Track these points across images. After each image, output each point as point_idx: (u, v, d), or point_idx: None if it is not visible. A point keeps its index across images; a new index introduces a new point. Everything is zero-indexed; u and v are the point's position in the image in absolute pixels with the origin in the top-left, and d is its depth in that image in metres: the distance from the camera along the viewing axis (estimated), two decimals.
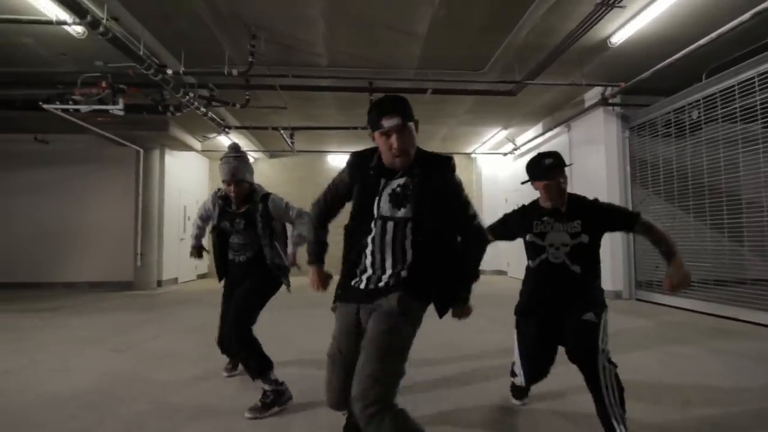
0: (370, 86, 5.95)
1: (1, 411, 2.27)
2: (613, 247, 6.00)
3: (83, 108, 5.49)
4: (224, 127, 7.32)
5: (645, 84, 5.48)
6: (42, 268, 8.25)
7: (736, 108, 4.51)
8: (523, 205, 2.20)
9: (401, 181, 1.57)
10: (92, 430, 2.02)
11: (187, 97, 5.61)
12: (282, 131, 7.90)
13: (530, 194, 2.09)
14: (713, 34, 4.20)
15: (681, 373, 2.78)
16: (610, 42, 4.93)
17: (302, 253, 2.62)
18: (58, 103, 5.60)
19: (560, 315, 1.93)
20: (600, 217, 1.97)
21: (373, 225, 1.56)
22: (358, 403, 1.30)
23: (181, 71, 5.04)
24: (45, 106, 5.57)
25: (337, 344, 1.59)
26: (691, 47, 4.48)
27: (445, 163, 1.62)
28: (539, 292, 2.05)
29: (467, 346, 3.50)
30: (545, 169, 1.98)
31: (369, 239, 1.56)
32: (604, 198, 6.63)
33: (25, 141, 8.16)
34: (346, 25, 4.62)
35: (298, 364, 3.09)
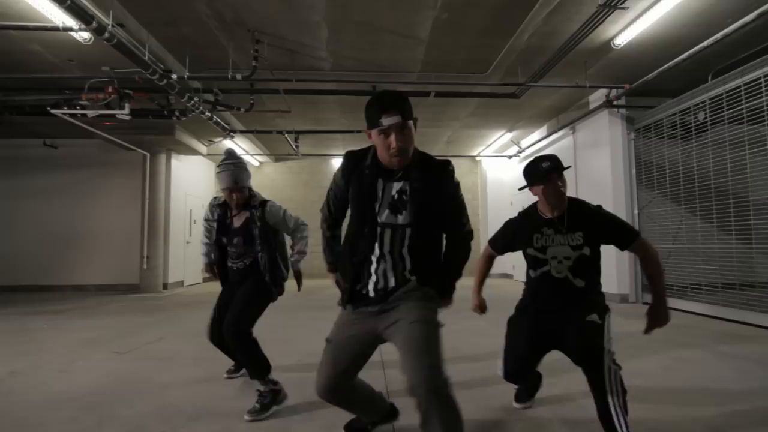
0: (373, 90, 5.96)
1: (5, 411, 2.29)
2: (618, 250, 5.92)
3: (90, 113, 5.57)
4: (229, 131, 7.38)
5: (650, 86, 5.44)
6: (51, 271, 8.35)
7: (742, 109, 4.45)
8: (521, 213, 2.15)
9: (400, 186, 1.55)
10: (92, 431, 2.03)
11: (192, 101, 5.67)
12: (287, 135, 7.95)
13: (533, 197, 2.06)
14: (718, 35, 4.16)
15: (686, 376, 2.74)
16: (614, 43, 4.90)
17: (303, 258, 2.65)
18: (65, 108, 5.69)
19: (558, 323, 1.88)
20: (600, 227, 1.92)
21: (375, 230, 1.56)
22: (425, 387, 1.29)
23: (185, 76, 5.09)
24: (53, 111, 5.66)
25: (335, 331, 1.63)
26: (696, 48, 4.44)
27: (444, 168, 1.59)
28: (540, 300, 2.02)
29: (468, 348, 3.47)
30: (543, 172, 1.94)
31: (375, 245, 1.56)
32: (609, 200, 6.58)
33: (34, 146, 8.33)
34: (349, 29, 4.65)
35: (300, 365, 3.09)
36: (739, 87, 4.50)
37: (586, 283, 1.92)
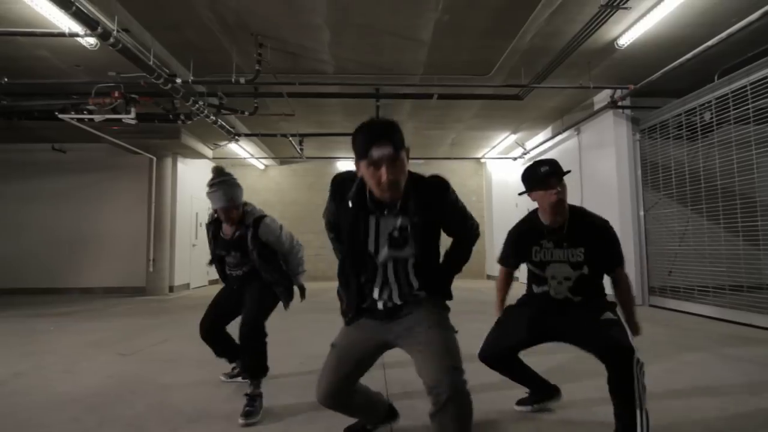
0: (376, 92, 5.99)
1: (9, 412, 2.32)
2: (624, 252, 5.87)
3: (97, 117, 5.65)
4: (234, 135, 7.43)
5: (655, 86, 5.40)
6: (58, 274, 8.46)
7: (748, 109, 4.40)
8: (521, 221, 2.11)
9: (397, 222, 1.47)
10: (92, 431, 2.05)
11: (197, 105, 5.72)
12: (291, 138, 7.99)
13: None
14: (723, 34, 4.13)
15: (689, 379, 2.70)
16: (617, 44, 4.88)
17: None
18: (73, 113, 5.77)
19: (562, 317, 1.87)
20: (603, 247, 1.89)
21: (372, 266, 1.52)
22: (447, 382, 1.28)
23: (190, 80, 5.15)
24: (60, 116, 5.75)
25: (342, 336, 1.61)
26: (700, 48, 4.40)
27: (440, 188, 1.51)
28: (539, 313, 1.99)
29: (467, 350, 3.44)
30: (541, 177, 1.88)
31: (375, 276, 1.53)
32: (615, 202, 6.52)
33: (42, 150, 8.45)
34: (351, 32, 4.67)
35: (302, 368, 3.09)
36: (745, 86, 4.45)
37: (586, 298, 1.90)
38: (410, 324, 1.50)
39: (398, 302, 1.55)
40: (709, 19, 4.34)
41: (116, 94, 5.36)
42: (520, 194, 2.09)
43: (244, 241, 2.42)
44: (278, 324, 4.53)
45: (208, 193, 2.38)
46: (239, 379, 2.73)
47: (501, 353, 2.04)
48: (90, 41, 4.38)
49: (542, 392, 2.20)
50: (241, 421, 2.10)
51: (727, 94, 4.68)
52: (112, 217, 8.70)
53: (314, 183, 11.06)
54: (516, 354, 2.06)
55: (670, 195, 5.59)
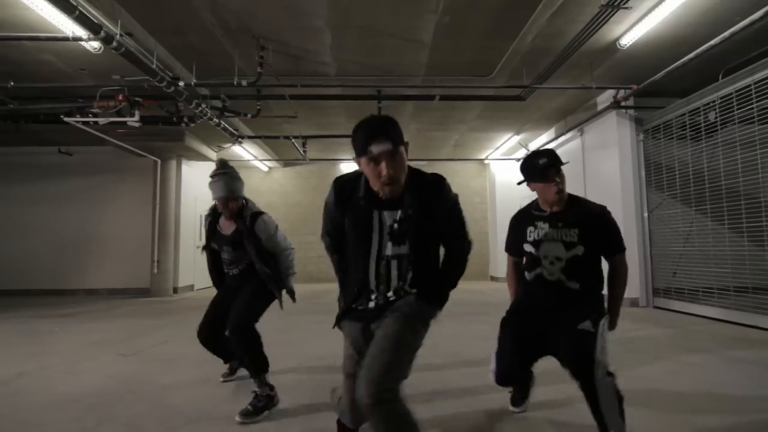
0: (378, 94, 6.00)
1: (11, 412, 2.34)
2: (628, 253, 5.81)
3: (102, 120, 5.71)
4: (237, 137, 7.47)
5: (658, 86, 5.36)
6: (63, 276, 8.54)
7: (753, 108, 4.36)
8: (521, 210, 2.12)
9: (397, 215, 1.50)
10: (91, 431, 2.07)
11: (200, 108, 5.76)
12: (294, 140, 8.02)
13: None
14: (726, 33, 4.09)
15: (691, 381, 2.68)
16: (619, 44, 4.85)
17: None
18: (78, 116, 5.84)
19: (550, 327, 1.84)
20: (599, 229, 1.87)
21: (372, 262, 1.53)
22: (371, 388, 1.27)
23: (193, 83, 5.19)
24: (66, 119, 5.81)
25: (353, 363, 1.56)
26: (703, 47, 4.36)
27: (438, 186, 1.54)
28: (534, 297, 1.99)
29: (469, 352, 3.45)
30: (539, 169, 1.89)
31: (372, 275, 1.54)
32: (618, 203, 6.50)
33: (48, 153, 8.55)
34: (352, 34, 4.69)
35: (300, 368, 3.10)
36: (750, 86, 4.41)
37: (581, 285, 1.86)
38: (378, 326, 1.50)
39: (391, 298, 1.55)
40: (711, 18, 4.31)
41: (120, 98, 5.40)
42: (519, 183, 2.08)
43: (240, 236, 2.43)
44: (279, 324, 4.57)
45: (210, 183, 2.44)
46: (237, 374, 2.76)
47: (513, 376, 2.06)
48: (94, 45, 4.43)
49: (526, 384, 2.21)
50: (237, 418, 2.13)
51: (731, 94, 4.64)
52: (116, 219, 8.77)
53: (318, 185, 11.08)
54: (527, 369, 2.07)
55: (674, 196, 5.54)
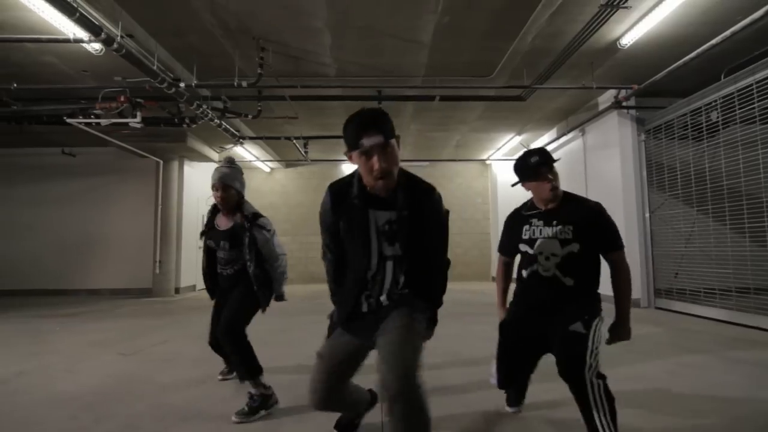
0: (378, 94, 6.00)
1: (10, 410, 2.36)
2: (629, 253, 5.79)
3: (104, 122, 5.74)
4: (239, 138, 7.50)
5: (660, 86, 5.34)
6: (66, 276, 8.59)
7: (754, 108, 4.34)
8: (516, 209, 2.11)
9: (389, 216, 1.50)
10: (88, 429, 2.08)
11: (201, 109, 5.79)
12: (295, 141, 8.04)
13: None
14: (727, 33, 4.07)
15: (690, 382, 2.66)
16: (620, 44, 4.83)
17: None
18: (81, 117, 5.88)
19: (545, 327, 1.83)
20: (593, 225, 1.86)
21: (373, 260, 1.53)
22: (398, 384, 1.27)
23: (193, 84, 5.21)
24: (69, 120, 5.85)
25: (328, 345, 1.61)
26: (704, 47, 4.34)
27: (429, 194, 1.54)
28: (528, 303, 1.98)
29: (469, 352, 3.44)
30: (532, 167, 1.90)
31: (370, 275, 1.54)
32: (620, 203, 6.46)
33: (51, 154, 8.62)
34: (352, 35, 4.70)
35: (301, 368, 3.10)
36: (751, 85, 4.39)
37: (577, 282, 1.84)
38: (384, 323, 1.50)
39: (384, 303, 1.55)
40: (711, 17, 4.29)
41: (122, 99, 5.43)
42: (513, 185, 2.08)
43: (236, 232, 2.44)
44: (279, 324, 4.59)
45: (215, 170, 2.49)
46: (235, 373, 2.75)
47: (514, 380, 2.05)
48: (95, 47, 4.46)
49: (522, 385, 2.20)
50: (233, 418, 2.13)
51: (732, 94, 4.62)
52: (119, 219, 8.82)
53: (319, 185, 11.08)
54: (530, 372, 2.07)
55: (675, 196, 5.51)
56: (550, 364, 1.85)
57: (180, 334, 4.41)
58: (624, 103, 5.98)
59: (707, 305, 4.95)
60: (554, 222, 1.90)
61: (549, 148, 8.24)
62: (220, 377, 2.82)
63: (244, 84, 5.13)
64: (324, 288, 1.75)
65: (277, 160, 10.60)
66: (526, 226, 1.98)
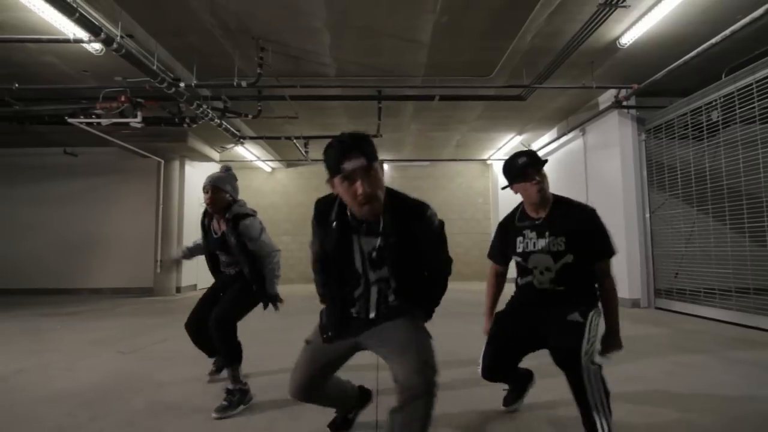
0: (378, 94, 6.01)
1: (8, 407, 2.37)
2: (630, 253, 5.81)
3: (105, 121, 5.77)
4: (239, 138, 7.52)
5: (660, 85, 5.33)
6: (68, 275, 8.63)
7: (754, 108, 4.32)
8: (508, 214, 2.10)
9: (375, 242, 1.47)
10: (84, 426, 2.09)
11: (202, 108, 5.80)
12: (295, 141, 8.05)
13: None
14: (726, 32, 4.06)
15: (689, 382, 2.65)
16: (619, 43, 4.83)
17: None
18: (82, 117, 5.91)
19: (541, 320, 1.84)
20: (585, 234, 1.83)
21: (354, 284, 1.53)
22: (421, 386, 1.29)
23: (193, 84, 5.23)
24: (70, 120, 5.88)
25: (316, 334, 1.63)
26: (704, 46, 4.33)
27: (420, 214, 1.49)
28: (523, 304, 1.99)
29: (468, 352, 3.43)
30: (519, 169, 1.89)
31: (356, 295, 1.55)
32: (620, 203, 6.45)
33: (53, 154, 8.65)
34: (351, 35, 4.70)
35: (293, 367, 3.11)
36: (751, 85, 4.37)
37: (573, 288, 1.85)
38: (383, 327, 1.51)
39: (372, 317, 1.55)
40: (711, 16, 4.28)
41: (123, 99, 5.46)
42: (503, 188, 2.07)
43: (226, 240, 2.47)
44: (279, 324, 4.59)
45: (208, 175, 2.55)
46: (223, 373, 2.77)
47: (499, 370, 2.04)
48: (96, 47, 4.48)
49: (522, 384, 2.19)
50: (213, 415, 2.15)
51: (732, 93, 4.60)
52: (120, 219, 8.85)
53: (320, 185, 10.99)
54: (514, 366, 2.06)
55: (676, 196, 5.50)
56: (549, 364, 1.84)
57: (180, 333, 4.35)
58: (624, 103, 5.97)
59: (707, 305, 4.94)
60: (547, 233, 1.89)
61: (549, 147, 8.25)
62: (208, 378, 2.82)
63: (244, 84, 5.14)
64: None
65: (278, 160, 10.61)
66: (520, 238, 1.97)
